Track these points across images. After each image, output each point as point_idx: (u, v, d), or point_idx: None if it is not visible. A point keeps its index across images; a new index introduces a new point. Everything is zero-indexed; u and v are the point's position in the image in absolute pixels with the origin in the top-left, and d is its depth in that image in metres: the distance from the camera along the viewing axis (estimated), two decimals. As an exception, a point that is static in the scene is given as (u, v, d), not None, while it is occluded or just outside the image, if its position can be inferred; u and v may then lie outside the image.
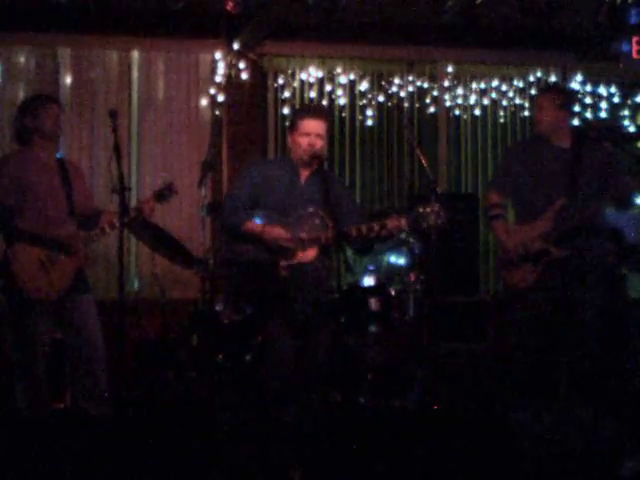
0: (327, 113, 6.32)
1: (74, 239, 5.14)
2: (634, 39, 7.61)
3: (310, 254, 5.08)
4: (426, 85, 8.51)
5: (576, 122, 8.70)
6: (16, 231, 5.04)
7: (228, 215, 5.23)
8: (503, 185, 5.76)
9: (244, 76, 7.86)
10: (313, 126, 5.18)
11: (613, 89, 8.83)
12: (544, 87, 7.94)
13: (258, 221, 5.10)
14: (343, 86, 8.25)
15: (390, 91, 8.43)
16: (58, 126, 5.29)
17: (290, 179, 5.24)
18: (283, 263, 5.02)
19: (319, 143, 5.19)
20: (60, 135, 5.43)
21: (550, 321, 5.46)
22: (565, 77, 8.63)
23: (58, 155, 5.39)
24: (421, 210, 5.01)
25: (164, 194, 5.30)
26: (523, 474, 4.28)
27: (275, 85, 8.16)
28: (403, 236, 6.54)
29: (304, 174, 5.28)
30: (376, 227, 5.04)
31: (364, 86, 8.32)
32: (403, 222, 5.06)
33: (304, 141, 5.17)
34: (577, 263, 5.44)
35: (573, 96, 7.72)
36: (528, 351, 5.52)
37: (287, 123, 5.82)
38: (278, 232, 5.06)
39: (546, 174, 5.53)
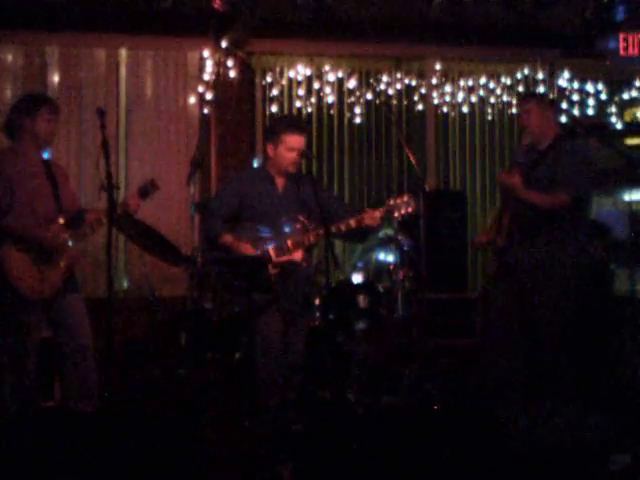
0: (307, 125, 7.22)
1: (61, 241, 5.13)
2: (621, 36, 7.66)
3: (298, 256, 5.40)
4: (414, 82, 8.52)
5: (563, 119, 8.74)
6: (4, 231, 5.03)
7: (207, 224, 5.61)
8: None
9: (232, 74, 7.86)
10: (299, 141, 5.42)
11: (600, 86, 8.85)
12: (529, 93, 8.07)
13: (243, 230, 5.45)
14: (331, 84, 8.25)
15: (378, 89, 8.44)
16: (53, 134, 5.29)
17: (268, 190, 5.52)
18: (272, 271, 5.34)
19: (300, 156, 5.46)
20: (52, 142, 5.43)
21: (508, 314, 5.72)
22: (552, 74, 8.65)
23: (45, 156, 5.38)
24: (392, 202, 5.50)
25: (147, 190, 5.32)
26: (511, 470, 4.29)
27: (263, 83, 8.16)
28: (392, 233, 6.57)
29: (280, 182, 5.56)
30: (353, 223, 5.42)
31: (352, 84, 8.32)
32: (377, 215, 5.46)
33: (290, 156, 5.44)
34: (525, 258, 5.62)
35: (556, 102, 7.80)
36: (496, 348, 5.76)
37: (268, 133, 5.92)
38: (245, 249, 5.38)
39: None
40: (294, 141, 5.39)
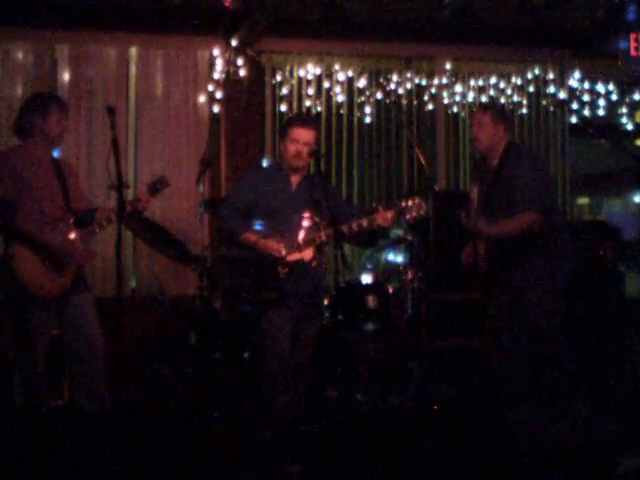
0: (318, 123, 7.10)
1: (70, 243, 5.14)
2: (632, 36, 7.63)
3: (308, 254, 5.36)
4: (424, 82, 8.50)
5: (574, 120, 8.72)
6: (15, 232, 5.03)
7: (227, 220, 5.51)
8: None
9: (242, 73, 7.86)
10: (302, 134, 5.43)
11: (611, 86, 8.84)
12: (481, 105, 8.11)
13: (258, 227, 5.43)
14: (341, 83, 8.24)
15: (388, 88, 8.43)
16: (62, 133, 5.31)
17: (282, 187, 5.51)
18: (281, 270, 5.30)
19: (306, 151, 5.41)
20: (61, 141, 5.44)
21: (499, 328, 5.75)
22: (563, 74, 8.63)
23: (54, 154, 5.39)
24: (403, 204, 5.37)
25: (157, 187, 5.33)
26: (520, 471, 4.29)
27: (273, 82, 8.15)
28: (401, 234, 6.58)
29: (295, 180, 5.54)
30: (365, 223, 5.35)
31: (362, 83, 8.31)
32: (389, 216, 5.35)
33: (292, 148, 5.44)
34: (507, 279, 5.65)
35: (506, 113, 7.65)
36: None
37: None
38: (271, 246, 5.34)
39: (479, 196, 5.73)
40: (297, 133, 5.41)
